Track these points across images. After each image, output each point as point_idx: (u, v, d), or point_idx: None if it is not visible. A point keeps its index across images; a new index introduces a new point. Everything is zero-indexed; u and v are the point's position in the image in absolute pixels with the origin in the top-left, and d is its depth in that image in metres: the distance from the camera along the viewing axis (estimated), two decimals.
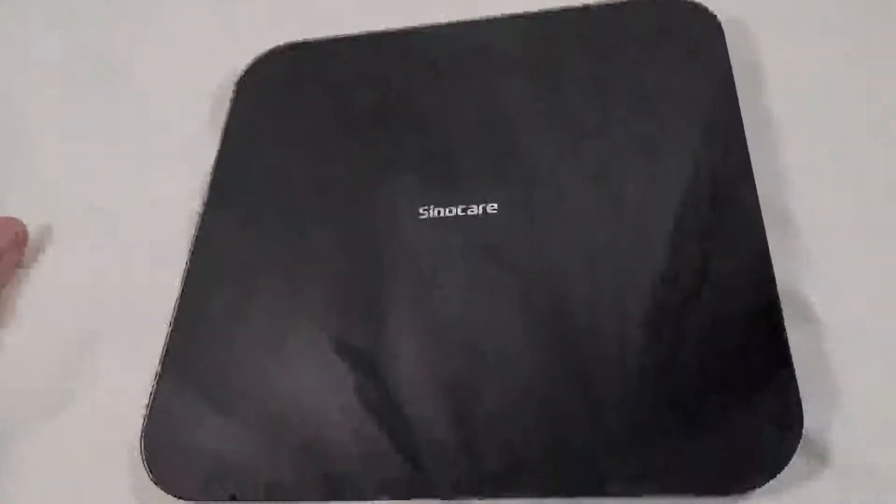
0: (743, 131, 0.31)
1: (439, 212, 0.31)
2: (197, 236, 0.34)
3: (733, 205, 0.29)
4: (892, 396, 0.26)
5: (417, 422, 0.27)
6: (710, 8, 0.35)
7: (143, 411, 0.30)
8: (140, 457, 0.29)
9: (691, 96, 0.33)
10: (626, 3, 0.36)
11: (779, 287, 0.27)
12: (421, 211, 0.32)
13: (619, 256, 0.29)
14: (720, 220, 0.29)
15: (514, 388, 0.27)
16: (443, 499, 0.26)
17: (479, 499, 0.26)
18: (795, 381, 0.25)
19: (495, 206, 0.31)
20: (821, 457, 0.26)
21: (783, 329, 0.26)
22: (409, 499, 0.26)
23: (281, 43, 0.40)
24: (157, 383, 0.30)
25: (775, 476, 0.24)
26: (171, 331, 0.31)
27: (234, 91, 0.39)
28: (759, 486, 0.24)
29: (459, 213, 0.31)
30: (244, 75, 0.39)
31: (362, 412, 0.28)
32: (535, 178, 0.32)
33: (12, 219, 0.36)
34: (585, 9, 0.37)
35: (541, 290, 0.29)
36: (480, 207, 0.31)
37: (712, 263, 0.28)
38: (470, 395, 0.27)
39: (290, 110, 0.38)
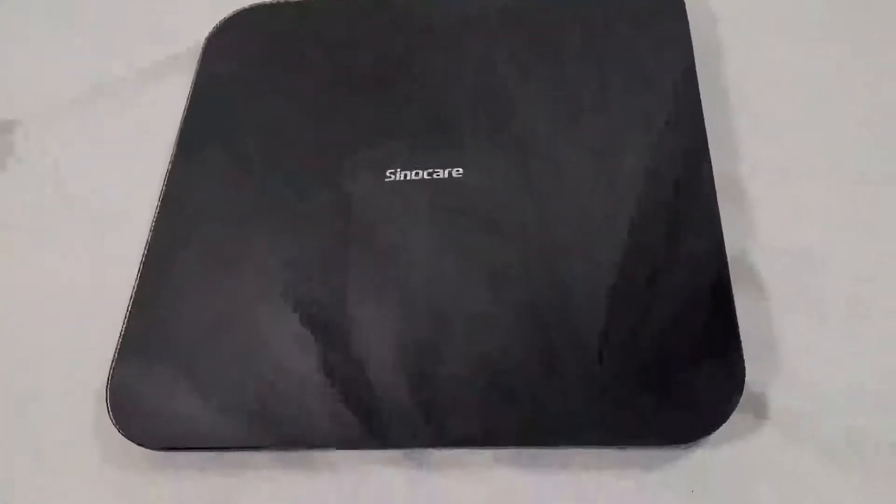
0: (700, 108, 0.32)
1: (405, 175, 0.32)
2: (164, 193, 0.34)
3: (689, 179, 0.31)
4: (829, 359, 0.28)
5: (376, 376, 0.28)
6: None
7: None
8: (105, 406, 0.29)
9: (651, 72, 0.34)
10: None
11: (728, 255, 0.29)
12: (388, 174, 0.32)
13: (577, 224, 0.30)
14: (676, 192, 0.31)
15: (470, 344, 0.28)
16: (400, 447, 0.27)
17: (437, 448, 0.27)
18: (739, 340, 0.27)
19: (461, 170, 0.32)
20: (761, 412, 0.27)
21: (730, 293, 0.28)
22: (360, 448, 0.28)
23: (248, 4, 0.40)
24: (122, 336, 0.30)
25: (717, 428, 0.26)
26: (136, 288, 0.31)
27: (202, 49, 0.39)
28: (701, 438, 0.26)
29: (426, 176, 0.32)
30: (212, 34, 0.39)
31: (322, 368, 0.28)
32: (499, 145, 0.33)
33: None
34: None
35: (502, 254, 0.30)
36: (446, 171, 0.32)
37: (665, 229, 0.30)
38: (429, 354, 0.28)
39: (259, 70, 0.38)
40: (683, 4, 0.36)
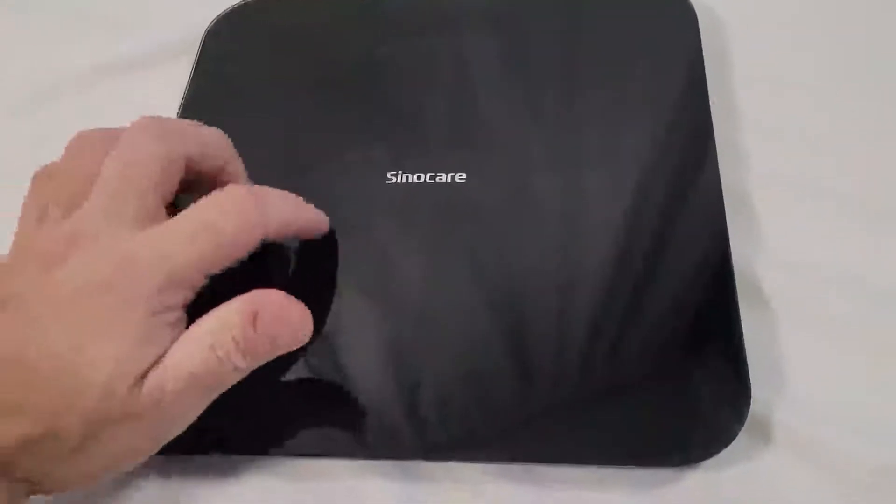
0: (710, 115, 0.32)
1: (407, 178, 0.31)
2: None
3: (695, 186, 0.30)
4: (837, 378, 0.27)
5: (364, 385, 0.27)
6: None
7: None
8: None
9: (660, 78, 0.33)
10: None
11: (735, 268, 0.28)
12: (389, 176, 0.32)
13: (579, 236, 0.29)
14: (681, 199, 0.30)
15: (465, 356, 0.27)
16: (389, 458, 0.27)
17: (427, 460, 0.26)
18: (745, 361, 0.26)
19: (464, 175, 0.31)
20: (766, 433, 0.27)
21: (737, 308, 0.27)
22: (347, 458, 0.27)
23: None
24: None
25: (721, 450, 0.25)
26: None
27: (200, 45, 0.38)
28: (705, 460, 0.25)
29: (428, 180, 0.31)
30: (210, 29, 0.38)
31: (312, 374, 0.28)
32: (503, 150, 0.32)
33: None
34: None
35: (501, 266, 0.29)
36: (449, 176, 0.31)
37: (671, 242, 0.29)
38: (419, 363, 0.27)
39: (257, 68, 0.37)
40: (693, 9, 0.35)
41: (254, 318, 0.23)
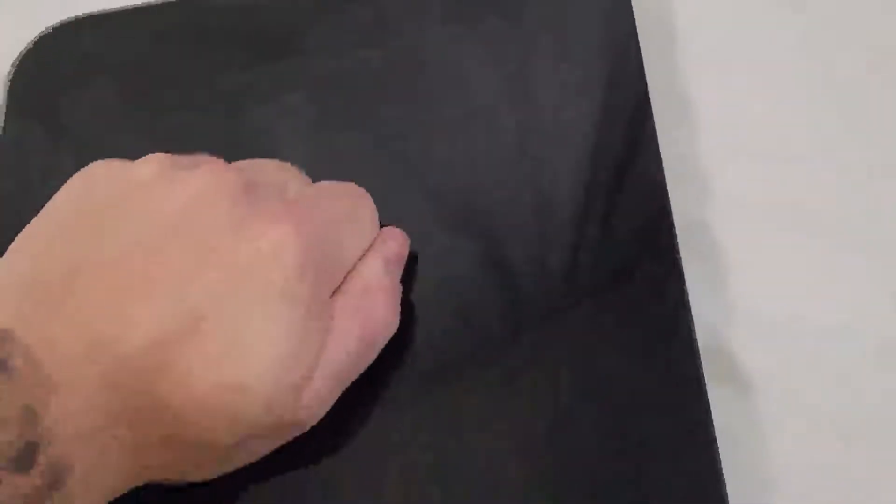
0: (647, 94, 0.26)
1: None
2: None
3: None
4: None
5: None
6: None
7: None
8: None
9: (594, 56, 0.27)
10: None
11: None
12: None
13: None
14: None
15: None
16: None
17: None
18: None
19: None
20: None
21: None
22: None
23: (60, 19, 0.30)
24: None
25: None
26: None
27: (5, 90, 0.29)
28: None
29: None
30: (16, 68, 0.30)
31: None
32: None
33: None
34: None
35: None
36: None
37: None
38: None
39: (79, 100, 0.29)
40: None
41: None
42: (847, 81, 0.28)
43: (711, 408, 0.21)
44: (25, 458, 0.16)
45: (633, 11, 0.28)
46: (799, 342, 0.24)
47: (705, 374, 0.22)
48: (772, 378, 0.24)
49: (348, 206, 0.23)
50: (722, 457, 0.21)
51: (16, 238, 0.20)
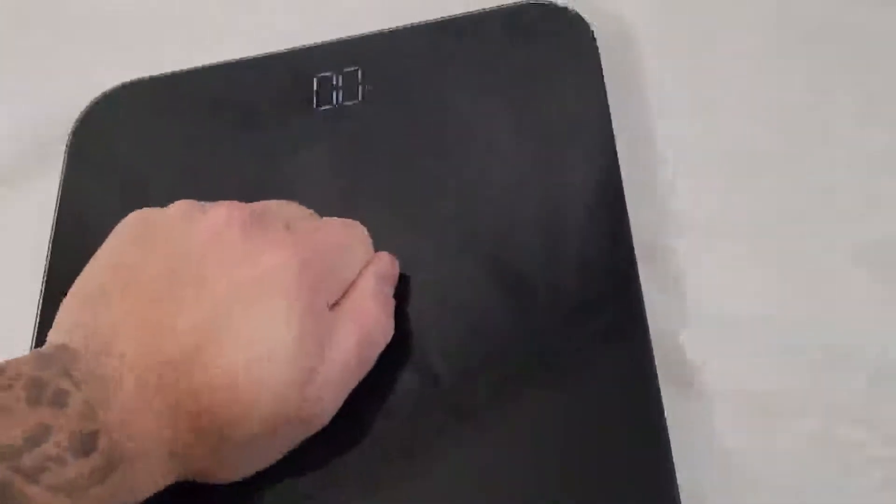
0: (611, 128, 0.29)
1: None
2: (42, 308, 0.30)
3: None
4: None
5: None
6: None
7: None
8: None
9: (557, 105, 0.31)
10: (484, 13, 0.33)
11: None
12: None
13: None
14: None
15: None
16: None
17: None
18: None
19: None
20: None
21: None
22: None
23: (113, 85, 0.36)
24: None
25: None
26: None
27: (67, 145, 0.34)
28: None
29: None
30: (79, 122, 0.35)
31: None
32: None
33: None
34: (452, 20, 0.34)
35: None
36: None
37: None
38: None
39: (134, 154, 0.34)
40: (589, 28, 0.32)
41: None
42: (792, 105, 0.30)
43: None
44: (88, 444, 0.20)
45: (599, 54, 0.31)
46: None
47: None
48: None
49: (344, 233, 0.27)
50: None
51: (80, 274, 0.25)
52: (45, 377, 0.21)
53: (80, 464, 0.20)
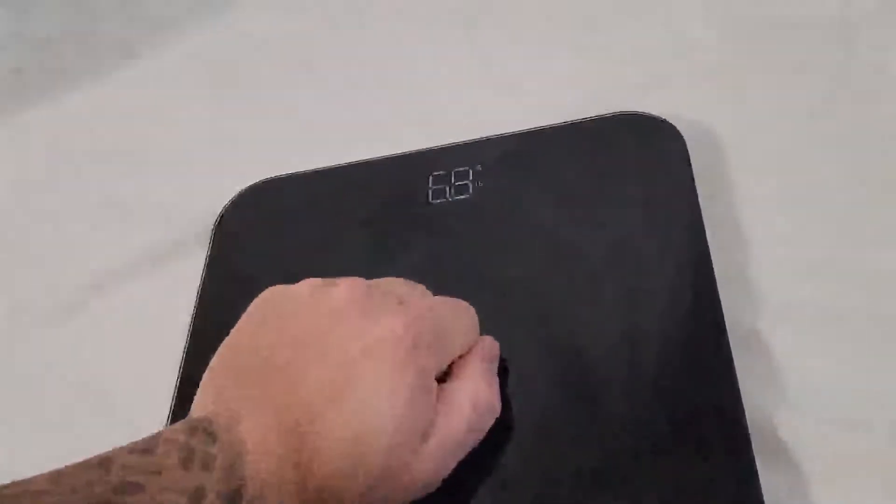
0: (705, 236, 0.31)
1: None
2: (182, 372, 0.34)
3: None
4: None
5: None
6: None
7: None
8: None
9: (651, 210, 0.33)
10: (585, 122, 0.36)
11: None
12: None
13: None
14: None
15: None
16: None
17: None
18: None
19: None
20: None
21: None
22: None
23: (255, 181, 0.41)
24: None
25: None
26: None
27: (213, 231, 0.39)
28: None
29: None
30: (224, 213, 0.40)
31: None
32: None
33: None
34: (556, 128, 0.37)
35: None
36: None
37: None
38: None
39: (271, 253, 0.38)
40: (681, 135, 0.34)
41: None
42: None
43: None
44: (234, 498, 0.23)
45: (688, 153, 0.34)
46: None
47: None
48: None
49: (453, 311, 0.29)
50: None
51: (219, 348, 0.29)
52: (193, 444, 0.24)
53: None
